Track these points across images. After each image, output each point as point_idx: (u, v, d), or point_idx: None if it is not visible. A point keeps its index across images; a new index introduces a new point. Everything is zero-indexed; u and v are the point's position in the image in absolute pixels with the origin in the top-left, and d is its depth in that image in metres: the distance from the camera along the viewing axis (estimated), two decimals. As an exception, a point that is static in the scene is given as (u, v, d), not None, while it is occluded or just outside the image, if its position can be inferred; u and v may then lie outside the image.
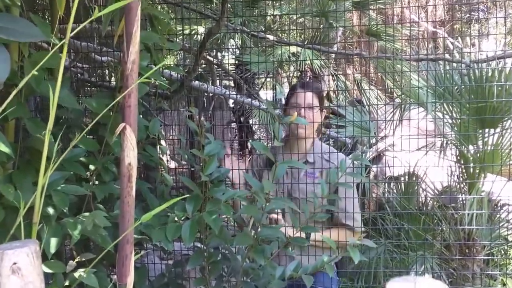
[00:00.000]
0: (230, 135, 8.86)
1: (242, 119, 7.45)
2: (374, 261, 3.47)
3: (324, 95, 2.66)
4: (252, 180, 1.80)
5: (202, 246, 1.95)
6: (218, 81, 6.69)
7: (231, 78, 5.71)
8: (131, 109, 1.05)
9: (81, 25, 1.00)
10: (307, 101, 2.41)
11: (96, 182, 1.97)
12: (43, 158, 0.93)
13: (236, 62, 6.93)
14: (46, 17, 3.08)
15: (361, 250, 1.81)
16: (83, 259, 1.48)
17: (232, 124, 8.55)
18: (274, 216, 2.28)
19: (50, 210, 1.49)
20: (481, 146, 3.47)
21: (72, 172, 1.67)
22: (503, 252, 3.82)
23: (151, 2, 2.60)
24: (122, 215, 1.06)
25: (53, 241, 1.43)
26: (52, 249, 1.42)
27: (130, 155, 1.03)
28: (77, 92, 2.90)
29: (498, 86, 3.28)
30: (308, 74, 6.16)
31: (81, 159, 1.88)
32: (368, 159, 4.49)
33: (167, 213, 1.99)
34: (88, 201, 1.90)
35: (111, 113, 1.94)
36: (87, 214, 1.50)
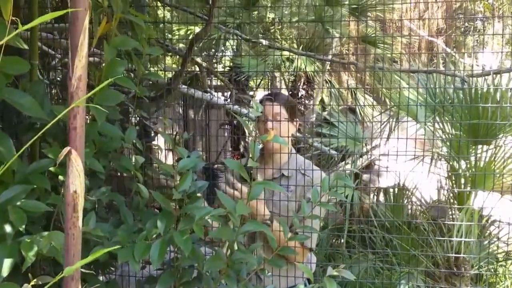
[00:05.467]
0: (225, 134, 8.80)
1: (235, 121, 7.39)
2: (359, 276, 3.39)
3: (297, 106, 2.55)
4: (225, 199, 1.71)
5: (174, 264, 1.86)
6: (209, 82, 6.61)
7: (221, 80, 5.63)
8: (77, 132, 0.95)
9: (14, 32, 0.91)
10: (274, 112, 2.32)
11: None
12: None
13: (231, 64, 6.86)
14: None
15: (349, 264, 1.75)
16: (40, 282, 1.37)
17: (226, 125, 8.49)
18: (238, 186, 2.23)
19: (7, 228, 1.40)
20: (473, 162, 3.39)
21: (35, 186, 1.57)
22: (492, 271, 3.74)
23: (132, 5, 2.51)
24: (67, 249, 0.96)
25: (7, 262, 1.33)
26: (5, 272, 1.32)
27: (76, 182, 0.93)
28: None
29: (493, 103, 3.20)
30: (302, 80, 6.08)
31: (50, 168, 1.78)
32: (359, 167, 4.42)
33: (139, 229, 1.90)
34: (58, 213, 1.81)
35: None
36: (45, 233, 1.40)
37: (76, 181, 0.93)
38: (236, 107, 3.62)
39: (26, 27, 0.74)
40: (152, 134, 3.64)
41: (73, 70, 0.93)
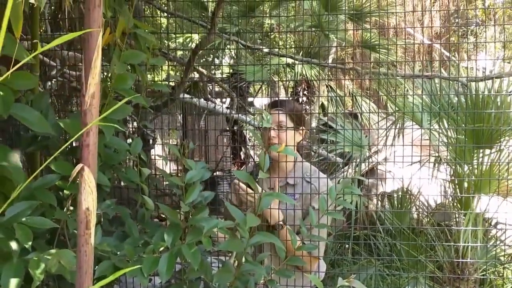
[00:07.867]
0: (224, 141, 8.79)
1: (235, 128, 7.38)
2: (365, 283, 3.36)
3: (303, 115, 2.51)
4: (234, 210, 1.69)
5: (182, 277, 1.84)
6: (211, 89, 6.60)
7: (223, 88, 5.61)
8: (90, 149, 0.94)
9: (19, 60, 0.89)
10: (277, 121, 2.30)
11: (71, 208, 1.85)
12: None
13: (230, 71, 6.85)
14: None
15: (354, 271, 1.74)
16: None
17: (226, 132, 8.47)
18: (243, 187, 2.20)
19: (13, 245, 1.37)
20: (476, 166, 3.38)
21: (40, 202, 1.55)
22: (497, 274, 3.72)
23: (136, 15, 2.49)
24: (79, 266, 0.95)
25: (13, 282, 1.30)
26: (11, 292, 1.30)
27: (89, 199, 0.92)
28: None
29: (494, 107, 3.20)
30: (303, 85, 6.07)
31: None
32: (362, 173, 4.41)
33: (145, 241, 1.88)
34: (63, 227, 1.78)
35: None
36: (53, 251, 1.38)
37: (89, 198, 0.91)
38: (239, 115, 3.60)
39: (47, 47, 0.72)
40: (151, 142, 3.62)
41: (86, 87, 0.91)
